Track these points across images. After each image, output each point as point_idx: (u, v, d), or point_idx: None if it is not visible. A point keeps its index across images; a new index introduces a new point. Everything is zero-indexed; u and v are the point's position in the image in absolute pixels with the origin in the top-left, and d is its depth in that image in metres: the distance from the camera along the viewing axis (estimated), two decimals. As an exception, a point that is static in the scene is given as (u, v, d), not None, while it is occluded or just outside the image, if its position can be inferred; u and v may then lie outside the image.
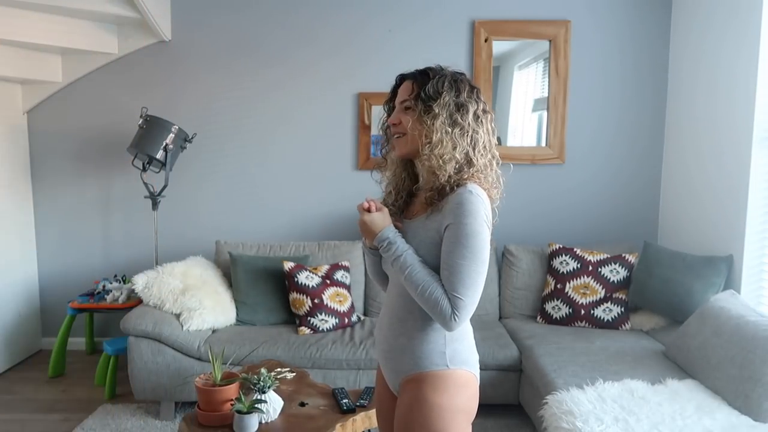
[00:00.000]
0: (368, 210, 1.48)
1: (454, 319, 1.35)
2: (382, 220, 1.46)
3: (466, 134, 1.44)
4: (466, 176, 1.42)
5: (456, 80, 1.46)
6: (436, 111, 1.42)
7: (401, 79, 1.53)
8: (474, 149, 1.45)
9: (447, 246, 1.38)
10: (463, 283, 1.35)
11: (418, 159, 1.49)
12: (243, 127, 3.87)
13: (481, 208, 1.38)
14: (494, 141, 1.51)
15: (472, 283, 1.35)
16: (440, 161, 1.42)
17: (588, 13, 3.72)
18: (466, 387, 1.44)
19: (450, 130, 1.42)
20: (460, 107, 1.44)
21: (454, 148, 1.42)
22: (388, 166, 1.59)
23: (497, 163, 1.50)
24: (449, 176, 1.42)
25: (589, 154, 3.82)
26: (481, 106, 1.47)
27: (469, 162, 1.44)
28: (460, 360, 1.45)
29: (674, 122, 3.69)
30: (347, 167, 3.87)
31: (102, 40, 3.69)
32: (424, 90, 1.44)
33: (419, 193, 1.55)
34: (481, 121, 1.46)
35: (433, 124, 1.42)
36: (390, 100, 1.56)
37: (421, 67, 1.51)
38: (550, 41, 3.72)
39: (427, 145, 1.43)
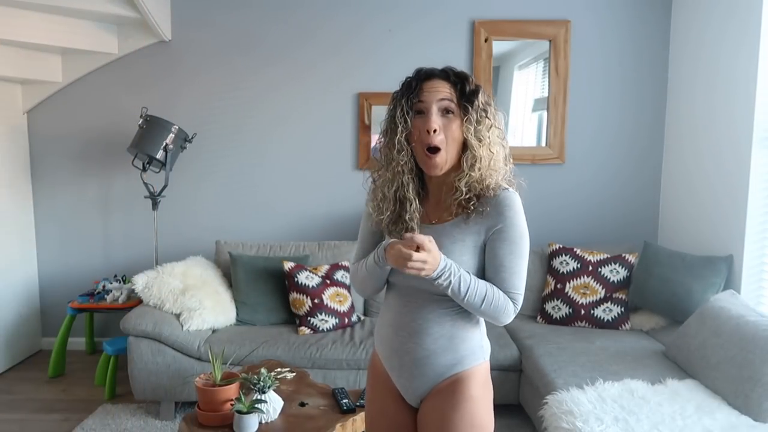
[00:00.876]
0: (417, 249, 1.28)
1: (514, 314, 1.43)
2: (435, 252, 1.30)
3: (503, 141, 1.44)
4: (501, 180, 1.43)
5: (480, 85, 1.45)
6: (492, 122, 1.40)
7: (426, 75, 1.40)
8: (508, 155, 1.46)
9: (502, 248, 1.39)
10: (520, 280, 1.42)
11: (452, 170, 1.42)
12: (243, 127, 3.87)
13: (522, 208, 1.42)
14: None
15: (524, 279, 1.43)
16: (489, 171, 1.39)
17: (588, 13, 3.72)
18: (489, 375, 1.51)
19: (499, 140, 1.42)
20: (498, 116, 1.43)
21: (503, 159, 1.43)
22: (387, 167, 1.45)
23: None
24: (496, 185, 1.41)
25: (589, 154, 3.82)
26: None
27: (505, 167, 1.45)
28: (488, 351, 1.52)
29: (674, 122, 3.69)
30: (347, 167, 3.87)
31: (102, 40, 3.69)
32: (477, 98, 1.38)
33: (433, 198, 1.48)
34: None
35: (488, 134, 1.39)
36: (411, 95, 1.38)
37: (419, 66, 1.44)
38: (550, 41, 3.72)
39: (479, 157, 1.38)
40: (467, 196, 1.39)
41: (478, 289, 1.36)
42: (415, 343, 1.45)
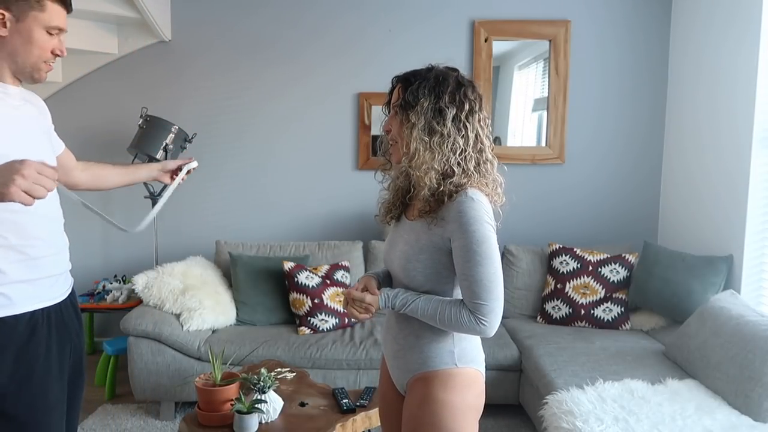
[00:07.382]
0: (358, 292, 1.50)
1: (483, 324, 1.37)
2: (370, 297, 1.48)
3: (446, 142, 1.39)
4: (462, 182, 1.40)
5: (440, 81, 1.41)
6: (413, 120, 1.39)
7: (396, 81, 1.50)
8: (459, 155, 1.40)
9: (460, 258, 1.38)
10: (484, 289, 1.36)
11: None
12: (243, 127, 3.87)
13: (483, 212, 1.37)
14: (488, 141, 1.46)
15: (492, 287, 1.37)
16: (418, 172, 1.40)
17: (588, 13, 3.73)
18: (473, 385, 1.47)
19: (427, 139, 1.39)
20: (439, 113, 1.39)
21: (433, 158, 1.39)
22: (392, 167, 1.57)
23: (491, 166, 1.46)
24: (432, 187, 1.39)
25: (589, 154, 3.82)
26: (466, 107, 1.41)
27: (456, 169, 1.40)
28: (468, 358, 1.47)
29: (674, 122, 3.69)
30: (347, 167, 3.87)
31: (102, 40, 3.69)
32: (404, 97, 1.41)
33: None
34: (464, 124, 1.40)
35: (410, 133, 1.40)
36: (387, 102, 1.53)
37: (419, 67, 1.48)
38: (550, 41, 3.72)
39: (405, 156, 1.43)
40: (420, 195, 1.43)
41: (427, 312, 1.41)
42: (391, 335, 1.55)
